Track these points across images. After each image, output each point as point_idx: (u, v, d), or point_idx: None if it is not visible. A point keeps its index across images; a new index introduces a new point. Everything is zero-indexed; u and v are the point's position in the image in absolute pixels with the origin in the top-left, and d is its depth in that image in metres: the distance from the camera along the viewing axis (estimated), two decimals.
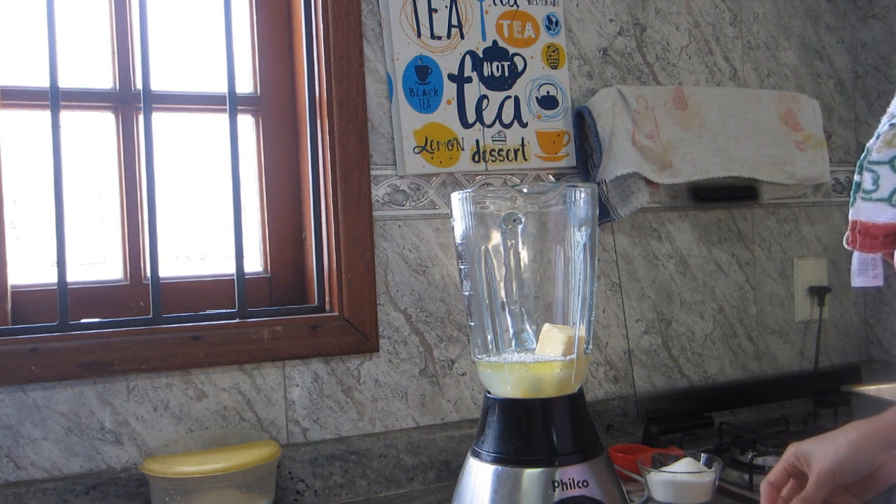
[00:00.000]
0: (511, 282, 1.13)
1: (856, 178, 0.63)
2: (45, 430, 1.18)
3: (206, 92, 1.39)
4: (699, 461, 1.17)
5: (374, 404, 1.39)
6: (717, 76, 1.72)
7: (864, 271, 0.69)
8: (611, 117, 1.48)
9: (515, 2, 1.49)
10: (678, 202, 1.67)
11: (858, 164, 0.63)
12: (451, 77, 1.43)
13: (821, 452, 0.89)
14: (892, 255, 0.66)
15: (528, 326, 1.14)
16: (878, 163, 0.60)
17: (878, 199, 0.60)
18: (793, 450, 0.93)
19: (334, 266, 1.36)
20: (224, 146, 1.34)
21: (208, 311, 1.32)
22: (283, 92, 1.44)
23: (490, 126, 1.46)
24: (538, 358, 1.06)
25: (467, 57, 1.44)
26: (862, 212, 0.62)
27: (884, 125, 0.63)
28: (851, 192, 0.63)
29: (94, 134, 1.33)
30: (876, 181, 0.60)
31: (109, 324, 1.24)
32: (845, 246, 0.65)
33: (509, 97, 1.48)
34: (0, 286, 1.23)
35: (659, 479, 1.15)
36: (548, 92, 1.51)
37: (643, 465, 1.18)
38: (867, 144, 0.63)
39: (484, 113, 1.45)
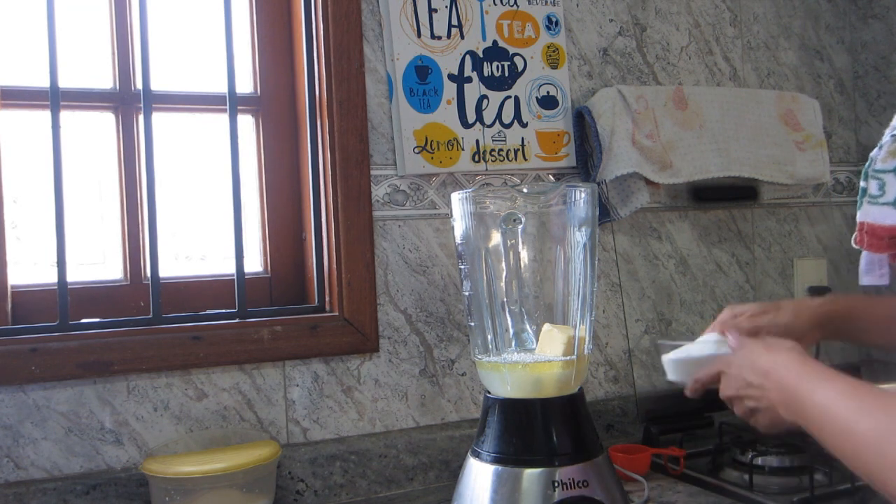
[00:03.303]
0: (511, 282, 1.13)
1: (862, 184, 0.71)
2: (45, 430, 1.18)
3: (206, 92, 1.39)
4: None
5: (374, 404, 1.39)
6: (717, 76, 1.72)
7: (871, 270, 0.75)
8: (611, 117, 1.48)
9: (515, 2, 1.49)
10: (678, 202, 1.67)
11: (864, 172, 0.71)
12: (451, 77, 1.43)
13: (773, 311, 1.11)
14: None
15: (528, 326, 1.14)
16: (882, 171, 0.68)
17: (883, 203, 0.67)
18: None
19: (334, 266, 1.36)
20: (224, 146, 1.34)
21: (208, 311, 1.32)
22: (283, 92, 1.44)
23: (490, 126, 1.45)
24: (538, 358, 1.06)
25: (467, 57, 1.44)
26: (869, 214, 0.69)
27: (886, 137, 0.70)
28: (858, 197, 0.71)
29: (94, 134, 1.33)
30: (881, 187, 0.68)
31: (109, 324, 1.24)
32: (854, 245, 0.72)
33: (509, 97, 1.48)
34: (0, 286, 1.23)
35: (673, 359, 1.09)
36: (548, 92, 1.51)
37: (660, 343, 1.11)
38: (871, 154, 0.71)
39: (484, 113, 1.45)
